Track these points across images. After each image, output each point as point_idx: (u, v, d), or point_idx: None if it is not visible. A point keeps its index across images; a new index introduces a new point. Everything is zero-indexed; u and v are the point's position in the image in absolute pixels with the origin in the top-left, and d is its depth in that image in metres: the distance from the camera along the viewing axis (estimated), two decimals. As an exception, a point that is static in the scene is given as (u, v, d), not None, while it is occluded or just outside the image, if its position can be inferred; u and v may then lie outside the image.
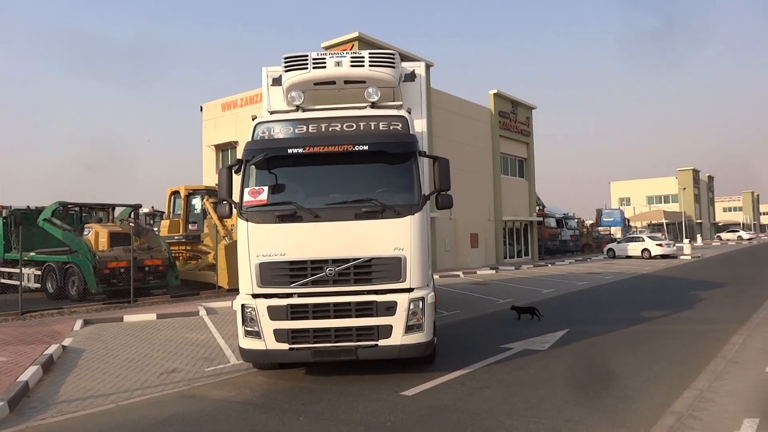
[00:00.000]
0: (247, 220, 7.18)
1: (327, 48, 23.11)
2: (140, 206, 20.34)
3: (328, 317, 7.02)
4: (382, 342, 6.99)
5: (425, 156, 7.65)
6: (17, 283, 18.87)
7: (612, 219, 51.07)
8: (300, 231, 7.10)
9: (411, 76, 9.44)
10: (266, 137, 7.60)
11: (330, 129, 7.56)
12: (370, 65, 8.48)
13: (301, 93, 8.09)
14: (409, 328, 7.01)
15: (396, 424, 5.56)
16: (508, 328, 11.14)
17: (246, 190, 7.35)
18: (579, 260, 34.35)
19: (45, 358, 8.73)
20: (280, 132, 7.64)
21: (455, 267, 26.98)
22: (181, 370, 8.22)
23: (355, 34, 22.21)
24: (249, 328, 7.14)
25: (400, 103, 8.46)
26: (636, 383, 6.74)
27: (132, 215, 19.71)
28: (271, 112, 8.39)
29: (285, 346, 7.04)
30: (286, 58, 8.62)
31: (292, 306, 7.03)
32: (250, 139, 7.64)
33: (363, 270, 7.03)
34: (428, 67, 26.09)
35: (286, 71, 8.57)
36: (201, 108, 30.34)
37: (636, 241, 35.99)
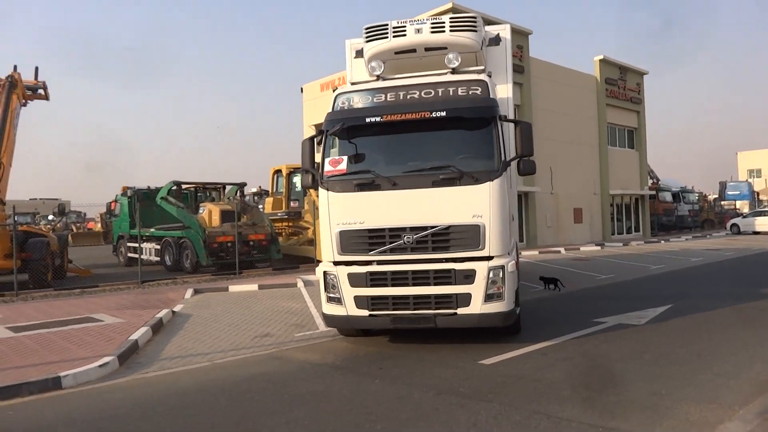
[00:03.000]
0: (328, 189, 7.34)
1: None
2: (245, 184, 21.45)
3: (407, 285, 7.04)
4: (461, 310, 6.91)
5: (506, 120, 7.36)
6: (141, 256, 20.86)
7: (738, 192, 46.51)
8: (378, 199, 7.14)
9: (496, 40, 9.09)
10: (346, 107, 7.68)
11: (408, 96, 7.48)
12: (450, 30, 8.27)
13: (381, 63, 8.08)
14: (488, 297, 6.86)
15: (468, 390, 5.50)
16: (604, 302, 10.61)
17: (327, 160, 7.50)
18: (697, 237, 31.81)
19: (155, 320, 9.54)
20: (359, 102, 7.68)
21: (557, 243, 25.99)
22: (273, 335, 8.65)
23: (449, 5, 21.76)
24: (331, 295, 7.34)
25: (482, 67, 8.19)
26: (739, 359, 6.17)
27: (238, 193, 20.84)
28: (353, 83, 8.45)
29: (365, 313, 7.16)
30: (366, 29, 8.62)
31: (372, 273, 7.12)
32: (330, 110, 7.76)
33: (441, 238, 6.96)
34: (527, 35, 25.05)
35: (367, 41, 8.58)
36: (301, 89, 31.28)
37: (765, 215, 32.66)
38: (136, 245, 21.12)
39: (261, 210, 21.65)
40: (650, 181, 39.07)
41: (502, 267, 6.88)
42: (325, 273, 7.38)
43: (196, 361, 7.26)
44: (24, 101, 16.99)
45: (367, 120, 7.35)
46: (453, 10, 21.79)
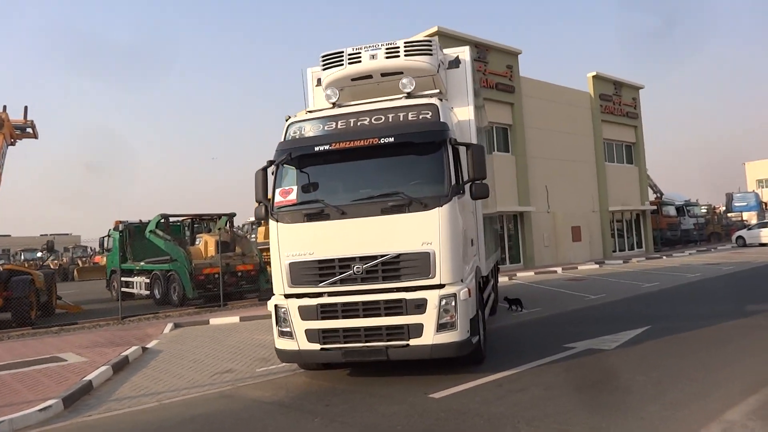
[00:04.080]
0: (278, 221, 7.19)
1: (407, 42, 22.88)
2: (234, 215, 21.38)
3: (358, 316, 6.83)
4: (413, 341, 6.67)
5: (457, 144, 7.18)
6: (132, 290, 20.80)
7: (745, 203, 45.81)
8: (327, 229, 6.98)
9: (455, 63, 8.99)
10: (297, 136, 7.57)
11: (359, 123, 7.36)
12: (405, 55, 8.18)
13: (337, 90, 7.97)
14: (441, 327, 6.62)
15: (405, 428, 5.25)
16: (583, 326, 10.29)
17: (277, 191, 7.38)
18: (702, 251, 31.22)
19: (120, 359, 9.36)
20: (310, 130, 7.57)
21: (555, 263, 25.60)
22: (235, 371, 8.43)
23: (435, 29, 21.81)
24: (282, 329, 7.14)
25: (437, 91, 8.07)
26: (696, 386, 5.86)
27: (227, 224, 20.78)
28: (309, 111, 8.36)
29: (317, 347, 6.95)
30: (323, 56, 8.57)
31: (322, 305, 6.92)
32: (282, 140, 7.65)
33: (391, 267, 6.76)
34: (516, 54, 25.03)
35: (324, 69, 8.52)
36: (287, 118, 31.42)
37: (771, 227, 32.05)
38: (126, 279, 21.17)
39: (251, 239, 21.62)
40: (653, 196, 38.64)
41: (454, 295, 6.65)
42: (276, 306, 7.20)
43: (145, 401, 7.05)
44: (12, 140, 17.13)
45: (316, 149, 7.23)
46: (439, 33, 21.86)
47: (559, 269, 22.79)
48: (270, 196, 7.39)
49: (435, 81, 8.39)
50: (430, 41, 8.34)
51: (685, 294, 14.35)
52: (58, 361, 9.46)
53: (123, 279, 21.42)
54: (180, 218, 21.87)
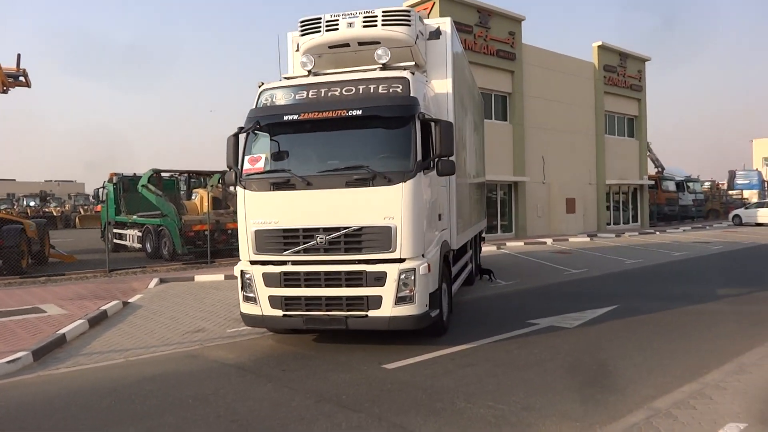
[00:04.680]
0: (245, 188, 7.29)
1: (410, 6, 22.44)
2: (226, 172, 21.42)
3: (320, 286, 7.00)
4: (372, 312, 6.85)
5: (426, 120, 7.18)
6: (125, 243, 21.09)
7: (748, 181, 45.46)
8: (293, 199, 7.07)
9: (436, 34, 8.87)
10: (268, 104, 7.58)
11: (329, 94, 7.36)
12: (383, 24, 8.09)
13: (312, 58, 7.95)
14: (399, 300, 6.79)
15: (349, 398, 5.45)
16: (555, 301, 10.45)
17: (246, 158, 7.44)
18: (697, 227, 31.27)
19: (98, 313, 9.60)
20: (281, 98, 7.58)
21: (548, 234, 25.71)
22: (206, 330, 8.67)
23: (436, -8, 21.39)
24: (247, 294, 7.33)
25: (412, 63, 8.01)
26: (637, 371, 6.02)
27: (220, 181, 20.87)
28: (285, 78, 8.34)
29: (279, 313, 7.14)
30: (301, 22, 8.48)
31: (285, 273, 7.08)
32: (254, 107, 7.67)
33: (353, 239, 6.88)
34: (519, 21, 24.56)
35: (302, 35, 8.45)
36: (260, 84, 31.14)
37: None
38: (120, 231, 21.45)
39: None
40: (655, 170, 38.44)
41: (414, 270, 6.78)
42: (241, 272, 7.37)
43: (113, 357, 7.30)
44: (5, 88, 17.10)
45: (285, 118, 7.26)
46: (441, -3, 21.42)
47: (549, 240, 22.92)
48: (241, 162, 7.46)
49: (413, 52, 8.31)
50: (408, 11, 8.24)
51: (664, 273, 14.48)
52: (38, 312, 9.73)
53: (116, 231, 21.77)
54: (172, 173, 21.97)
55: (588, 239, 24.10)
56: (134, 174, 21.73)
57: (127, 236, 20.79)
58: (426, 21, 8.93)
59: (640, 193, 32.42)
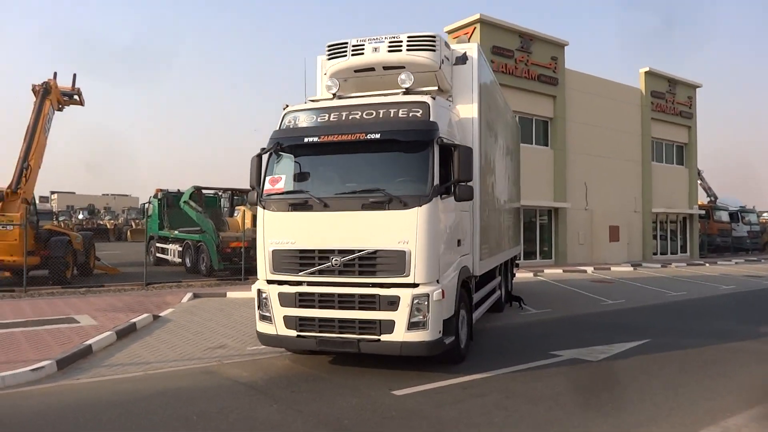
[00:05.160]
0: (264, 208, 7.41)
1: (450, 32, 22.63)
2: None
3: (333, 307, 7.00)
4: (384, 337, 6.79)
5: (445, 144, 7.15)
6: (167, 257, 21.71)
7: (810, 213, 43.29)
8: (310, 220, 7.14)
9: (462, 59, 8.86)
10: (291, 126, 7.72)
11: (350, 117, 7.43)
12: (408, 49, 8.13)
13: (337, 81, 8.08)
14: (412, 325, 6.71)
15: (351, 423, 5.40)
16: (584, 332, 10.13)
17: (267, 178, 7.57)
18: (751, 260, 29.80)
19: (128, 325, 9.88)
20: (304, 121, 7.69)
21: (590, 262, 25.02)
22: (227, 347, 8.78)
23: (477, 17, 21.41)
24: (263, 313, 7.40)
25: (435, 88, 8.04)
26: (656, 411, 5.72)
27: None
28: (312, 101, 8.48)
29: (293, 333, 7.17)
30: (329, 47, 8.61)
31: (300, 294, 7.12)
32: (277, 128, 7.82)
33: (368, 262, 6.87)
34: (562, 46, 24.29)
35: (329, 59, 8.57)
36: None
37: (830, 241, 30.19)
38: (162, 246, 22.13)
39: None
40: (707, 199, 37.03)
41: (427, 295, 6.70)
42: (258, 291, 7.45)
43: (132, 370, 7.47)
44: (60, 106, 18.05)
45: (305, 140, 7.37)
46: (481, 21, 21.48)
47: (590, 269, 22.29)
48: (262, 182, 7.59)
49: (437, 77, 8.32)
50: (434, 36, 8.25)
51: (706, 307, 13.83)
52: (71, 323, 10.09)
53: (159, 245, 22.51)
54: (215, 190, 22.57)
55: (631, 269, 23.31)
56: (178, 190, 22.47)
57: (169, 251, 21.43)
58: (453, 46, 8.95)
59: (690, 223, 31.22)
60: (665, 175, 29.41)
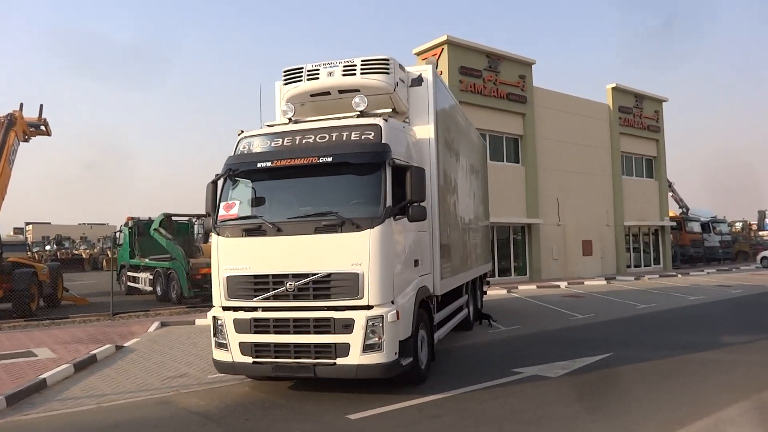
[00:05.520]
0: (218, 234, 7.37)
1: (418, 53, 22.95)
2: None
3: (288, 332, 6.95)
4: (340, 360, 6.75)
5: (397, 166, 7.19)
6: (138, 286, 21.39)
7: (779, 222, 44.26)
8: (264, 245, 7.12)
9: (418, 81, 8.97)
10: (245, 152, 7.73)
11: (303, 141, 7.47)
12: (362, 73, 8.24)
13: (293, 106, 8.11)
14: (367, 348, 6.68)
15: (300, 450, 5.33)
16: (549, 348, 10.16)
17: (221, 204, 7.55)
18: (723, 270, 30.28)
19: (87, 357, 9.68)
20: (258, 146, 7.71)
21: (564, 276, 25.21)
22: (188, 375, 8.63)
23: (444, 38, 21.75)
24: (219, 340, 7.32)
25: (388, 110, 8.12)
26: (606, 426, 5.75)
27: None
28: (268, 125, 8.49)
29: (249, 360, 7.10)
30: (285, 72, 8.69)
31: (255, 320, 7.06)
32: (232, 154, 7.82)
33: (322, 285, 6.86)
34: (530, 65, 24.76)
35: (285, 84, 8.65)
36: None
37: (798, 249, 30.84)
38: (135, 274, 21.83)
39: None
40: (679, 210, 37.67)
41: (381, 317, 6.69)
42: (214, 318, 7.38)
43: (86, 403, 7.30)
44: (26, 137, 17.85)
45: (258, 165, 7.38)
46: (448, 42, 21.82)
47: (563, 284, 22.44)
48: (217, 208, 7.56)
49: (392, 99, 8.42)
50: (387, 60, 8.36)
51: (674, 319, 13.97)
52: (29, 356, 9.86)
53: (130, 274, 22.21)
54: (189, 216, 22.40)
55: (605, 282, 23.53)
56: (149, 218, 22.24)
57: (140, 279, 21.15)
58: (408, 68, 9.05)
59: (662, 235, 31.70)
60: (636, 189, 29.90)
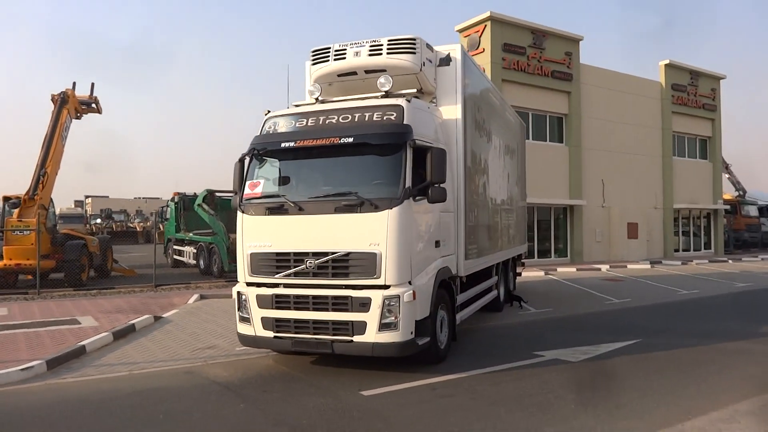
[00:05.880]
0: (243, 212, 7.57)
1: (461, 30, 22.56)
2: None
3: (308, 309, 7.12)
4: (356, 338, 6.89)
5: (418, 146, 7.18)
6: (183, 259, 22.16)
7: None
8: (286, 223, 7.28)
9: (446, 60, 8.86)
10: (271, 131, 7.86)
11: (327, 122, 7.54)
12: (388, 53, 8.21)
13: (319, 86, 8.18)
14: (383, 326, 6.78)
15: (309, 422, 5.51)
16: (575, 333, 10.04)
17: (247, 183, 7.73)
18: (778, 257, 28.91)
19: (126, 326, 10.18)
20: (283, 126, 7.83)
21: (608, 259, 24.63)
22: (217, 347, 8.97)
23: (487, 14, 21.27)
24: (242, 314, 7.58)
25: (413, 90, 8.07)
26: (617, 413, 5.67)
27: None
28: (296, 105, 8.59)
29: (270, 334, 7.32)
30: (313, 52, 8.75)
31: (277, 296, 7.26)
32: (258, 134, 7.97)
33: (341, 264, 6.98)
34: (577, 41, 23.96)
35: (313, 64, 8.71)
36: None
37: None
38: (180, 248, 22.62)
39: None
40: (735, 194, 36.07)
41: (398, 297, 6.76)
42: (238, 293, 7.62)
43: (118, 370, 7.72)
44: (78, 115, 18.62)
45: (282, 145, 7.50)
46: (491, 18, 21.35)
47: (605, 267, 21.95)
48: (243, 187, 7.75)
49: (419, 79, 8.36)
50: (414, 39, 8.28)
51: (715, 306, 13.52)
52: (73, 324, 10.44)
53: (175, 247, 23.02)
54: (226, 194, 22.91)
55: (648, 266, 22.87)
56: (194, 194, 22.90)
57: (185, 252, 21.90)
58: (437, 48, 8.94)
59: (714, 219, 30.44)
60: (688, 170, 28.74)
